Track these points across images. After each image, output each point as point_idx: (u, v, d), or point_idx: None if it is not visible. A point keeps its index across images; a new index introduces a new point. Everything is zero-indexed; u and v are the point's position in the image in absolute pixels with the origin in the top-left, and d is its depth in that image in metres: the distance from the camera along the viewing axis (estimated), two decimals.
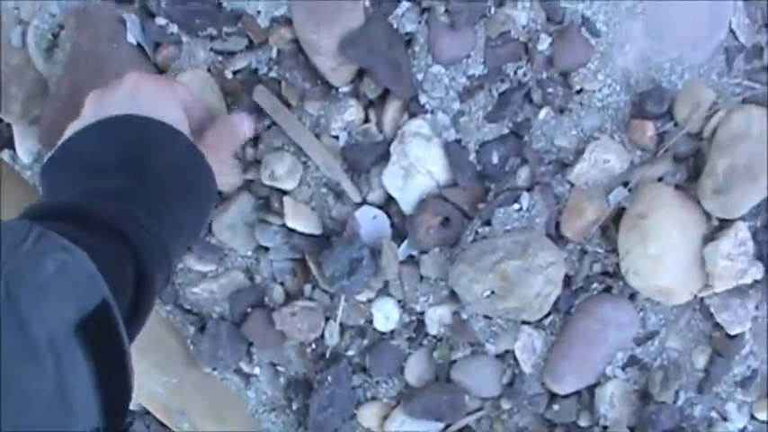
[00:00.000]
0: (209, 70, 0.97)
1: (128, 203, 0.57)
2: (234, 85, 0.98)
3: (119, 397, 0.42)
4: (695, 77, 0.93)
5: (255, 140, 0.98)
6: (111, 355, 0.42)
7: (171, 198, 0.61)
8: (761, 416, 0.96)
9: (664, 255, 0.89)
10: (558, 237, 0.93)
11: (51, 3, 0.97)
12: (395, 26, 0.92)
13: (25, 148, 1.02)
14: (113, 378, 0.41)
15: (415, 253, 0.95)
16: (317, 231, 0.96)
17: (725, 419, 0.96)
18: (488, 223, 0.93)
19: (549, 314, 0.94)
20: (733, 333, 0.94)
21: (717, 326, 0.94)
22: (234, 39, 0.96)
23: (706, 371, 0.96)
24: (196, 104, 0.79)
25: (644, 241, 0.89)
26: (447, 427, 0.99)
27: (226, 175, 0.78)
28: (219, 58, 0.97)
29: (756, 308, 0.94)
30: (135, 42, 0.97)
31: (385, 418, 0.98)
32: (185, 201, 0.63)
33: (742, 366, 0.96)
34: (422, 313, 0.97)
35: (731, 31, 0.92)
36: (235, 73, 0.97)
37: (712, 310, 0.94)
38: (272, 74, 0.96)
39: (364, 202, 0.96)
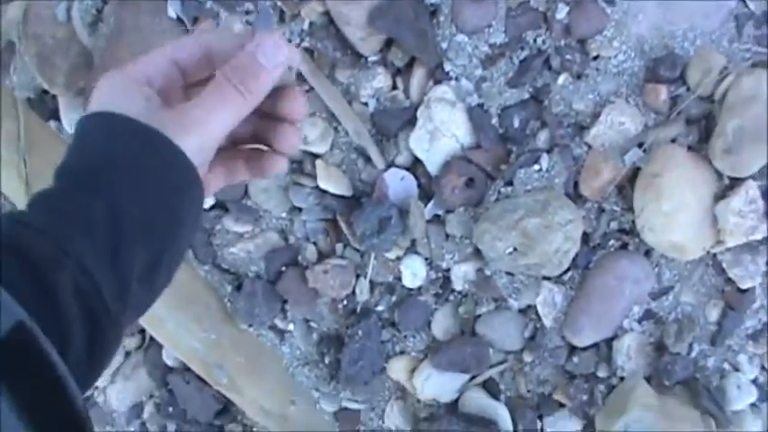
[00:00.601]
0: None
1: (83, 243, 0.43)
2: None
3: (59, 425, 0.38)
4: (706, 44, 0.97)
5: None
6: (40, 382, 0.37)
7: (138, 233, 0.44)
8: None
9: (677, 212, 0.94)
10: (576, 196, 0.98)
11: None
12: None
13: (70, 118, 1.08)
14: (48, 406, 0.38)
15: (440, 212, 1.00)
16: (348, 193, 1.01)
17: (737, 370, 1.00)
18: (510, 183, 0.98)
19: (568, 270, 0.99)
20: (744, 287, 0.98)
21: (729, 281, 0.98)
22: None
23: (718, 324, 1.00)
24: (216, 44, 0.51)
25: (658, 199, 0.93)
26: (472, 378, 1.03)
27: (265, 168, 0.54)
28: None
29: (767, 263, 0.98)
30: (175, 16, 1.03)
31: (413, 371, 1.03)
32: (161, 235, 0.45)
33: (753, 320, 1.00)
34: (448, 270, 1.01)
35: None
36: None
37: (724, 265, 0.98)
38: (305, 44, 1.01)
39: (392, 164, 1.01)
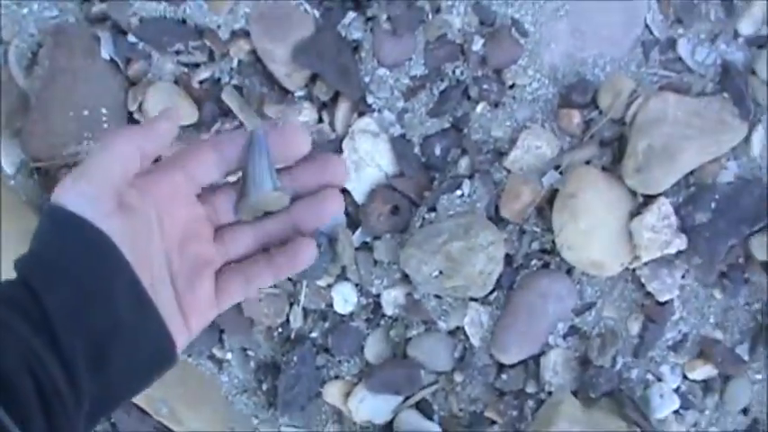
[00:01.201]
0: (176, 81, 1.06)
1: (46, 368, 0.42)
2: (200, 94, 1.06)
3: None
4: (616, 69, 1.01)
5: None
6: None
7: (71, 323, 0.43)
8: (693, 376, 1.03)
9: (593, 229, 0.97)
10: (498, 219, 1.01)
11: (30, 23, 1.06)
12: (342, 34, 1.01)
13: (8, 159, 1.10)
14: None
15: (368, 239, 1.03)
16: None
17: (660, 380, 1.04)
18: (434, 209, 1.01)
19: (493, 290, 1.02)
20: (663, 300, 1.02)
21: (648, 294, 1.02)
22: (198, 52, 1.05)
23: (640, 336, 1.03)
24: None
25: (575, 218, 0.97)
26: (405, 399, 1.06)
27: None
28: (186, 69, 1.05)
29: (683, 276, 1.02)
30: (108, 58, 1.05)
31: (348, 394, 1.05)
32: (92, 321, 0.43)
33: (673, 331, 1.04)
34: (378, 295, 1.04)
35: (646, 26, 1.01)
36: (200, 82, 1.06)
37: (643, 279, 1.02)
38: (234, 82, 1.05)
39: None
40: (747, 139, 1.00)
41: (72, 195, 0.44)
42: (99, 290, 0.44)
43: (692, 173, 1.00)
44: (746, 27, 0.99)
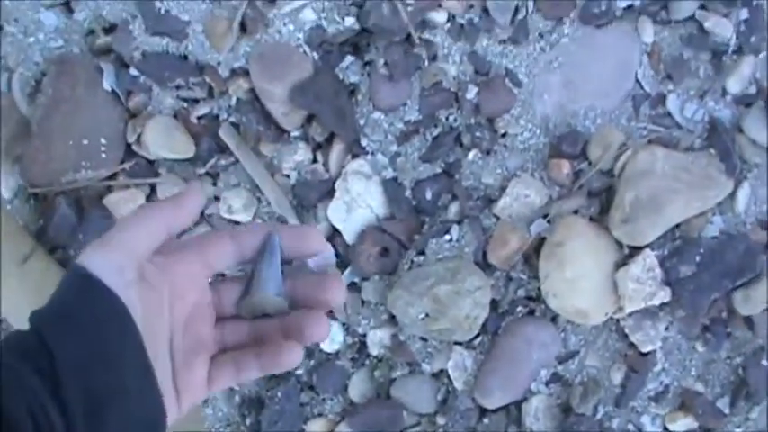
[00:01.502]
0: (175, 116, 1.07)
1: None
2: (198, 129, 1.08)
3: None
4: (606, 122, 1.03)
5: (215, 178, 1.08)
6: None
7: (73, 373, 0.45)
8: (673, 427, 1.04)
9: (579, 278, 0.99)
10: (485, 264, 1.03)
11: (35, 52, 1.08)
12: (340, 77, 1.03)
13: (8, 185, 1.11)
14: None
15: (357, 279, 1.04)
16: None
17: (640, 431, 1.04)
18: (423, 252, 1.02)
19: (478, 335, 1.03)
20: (645, 351, 1.03)
21: (631, 345, 1.03)
22: (198, 88, 1.07)
23: (622, 386, 1.04)
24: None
25: (561, 266, 0.98)
26: None
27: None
28: (185, 104, 1.07)
29: (667, 328, 1.03)
30: (110, 89, 1.07)
31: None
32: (94, 374, 0.45)
33: (655, 382, 1.04)
34: (364, 335, 1.05)
35: (637, 81, 1.03)
36: (199, 118, 1.07)
37: (626, 330, 1.03)
38: (232, 119, 1.06)
39: None
40: (733, 195, 1.01)
41: (97, 261, 0.46)
42: (108, 352, 0.46)
43: (677, 226, 1.01)
44: (734, 85, 1.02)
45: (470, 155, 1.02)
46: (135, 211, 0.50)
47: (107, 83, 1.07)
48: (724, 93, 1.02)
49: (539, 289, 1.01)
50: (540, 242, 1.01)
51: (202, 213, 1.08)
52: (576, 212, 1.02)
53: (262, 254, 0.51)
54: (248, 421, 1.08)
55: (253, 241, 0.52)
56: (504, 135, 1.03)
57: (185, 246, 0.52)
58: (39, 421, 0.43)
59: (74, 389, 0.45)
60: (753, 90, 1.02)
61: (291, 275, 0.52)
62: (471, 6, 1.02)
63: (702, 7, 1.01)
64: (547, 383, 1.04)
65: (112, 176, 1.08)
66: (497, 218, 1.02)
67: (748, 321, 1.02)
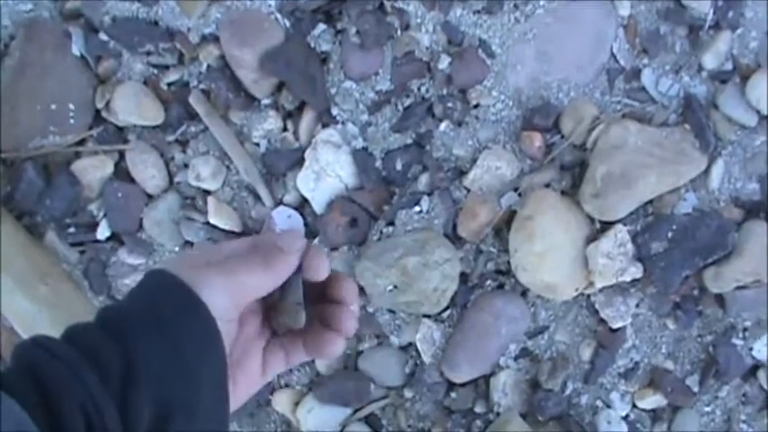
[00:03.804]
0: (145, 82, 1.04)
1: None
2: (167, 96, 1.04)
3: None
4: (580, 95, 1.00)
5: (185, 145, 1.04)
6: None
7: (149, 383, 0.44)
8: (642, 404, 1.01)
9: (548, 252, 0.95)
10: (455, 237, 0.99)
11: (4, 15, 1.04)
12: (312, 45, 1.00)
13: None
14: None
15: (325, 250, 1.01)
16: (238, 229, 1.01)
17: (609, 407, 1.02)
18: (392, 224, 0.99)
19: (447, 308, 1.00)
20: (615, 327, 1.00)
21: (601, 321, 1.00)
22: (168, 54, 1.03)
23: (591, 363, 1.01)
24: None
25: (530, 240, 0.95)
26: (355, 412, 1.04)
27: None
28: (155, 70, 1.04)
29: (637, 305, 1.00)
30: (79, 54, 1.04)
31: (297, 403, 1.03)
32: (171, 387, 0.45)
33: (625, 359, 1.01)
34: None
35: (612, 55, 1.00)
36: (169, 85, 1.04)
37: (597, 306, 1.00)
38: (202, 86, 1.03)
39: (281, 203, 1.02)
40: (707, 172, 0.98)
41: (213, 294, 0.46)
42: (192, 367, 0.45)
43: (650, 202, 0.98)
44: (710, 61, 0.98)
45: (442, 126, 0.99)
46: (263, 253, 0.49)
47: (76, 48, 1.04)
48: (700, 68, 0.99)
49: (508, 263, 0.98)
50: (510, 215, 0.98)
51: (171, 180, 1.05)
52: (547, 186, 0.99)
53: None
54: None
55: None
56: (476, 106, 0.99)
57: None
58: (92, 422, 0.42)
59: (145, 399, 0.43)
60: (729, 66, 0.99)
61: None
62: None
63: None
64: (515, 358, 1.01)
65: (81, 142, 1.05)
66: (468, 190, 0.99)
67: (719, 299, 0.99)
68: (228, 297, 0.47)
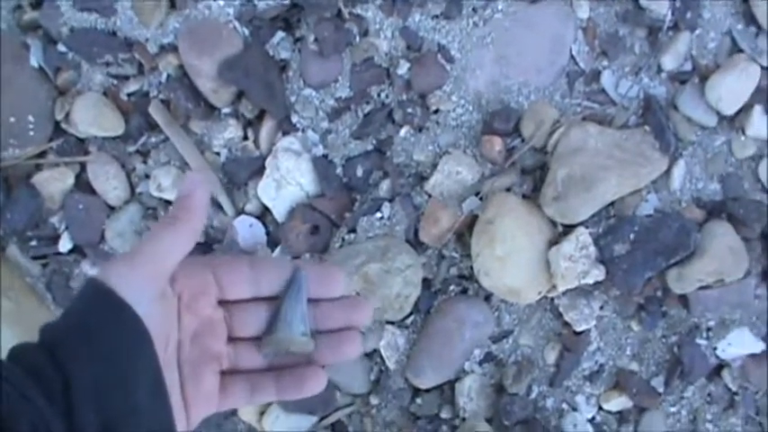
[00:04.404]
0: (105, 93, 1.03)
1: None
2: (128, 106, 1.03)
3: None
4: (540, 98, 0.99)
5: (146, 156, 1.04)
6: None
7: (89, 399, 0.43)
8: (608, 406, 1.00)
9: (510, 256, 0.95)
10: (417, 243, 0.99)
11: None
12: (270, 53, 0.99)
13: None
14: None
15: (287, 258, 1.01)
16: (200, 239, 1.01)
17: (575, 410, 1.01)
18: (353, 231, 0.98)
19: (410, 314, 0.99)
20: (580, 330, 0.99)
21: (565, 324, 0.99)
22: (127, 64, 1.02)
23: (557, 365, 1.01)
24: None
25: (492, 244, 0.95)
26: (321, 420, 1.03)
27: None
28: (115, 81, 1.03)
29: (601, 307, 1.00)
30: (37, 66, 1.03)
31: (263, 413, 1.02)
32: (111, 400, 0.43)
33: (590, 361, 1.01)
34: None
35: (572, 57, 1.00)
36: (129, 95, 1.03)
37: (561, 309, 0.99)
38: (162, 96, 1.02)
39: (243, 212, 1.01)
40: (668, 173, 0.98)
41: (122, 276, 0.45)
42: (125, 372, 0.45)
43: (612, 204, 0.98)
44: (670, 62, 0.98)
45: (402, 131, 0.99)
46: (161, 225, 0.48)
47: (34, 59, 1.03)
48: (659, 69, 0.99)
49: (471, 268, 0.97)
50: (472, 220, 0.97)
51: (133, 191, 1.04)
52: (508, 190, 0.98)
53: (289, 291, 0.49)
54: None
55: (273, 276, 0.50)
56: (436, 111, 0.99)
57: (200, 261, 0.50)
58: None
59: (87, 413, 0.43)
60: (688, 67, 0.99)
61: (314, 303, 0.50)
62: None
63: None
64: (480, 363, 1.00)
65: (41, 154, 1.03)
66: (429, 195, 0.98)
67: (683, 300, 0.99)
68: (137, 273, 0.46)
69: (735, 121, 0.98)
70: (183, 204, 0.49)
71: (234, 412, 1.04)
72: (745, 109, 0.97)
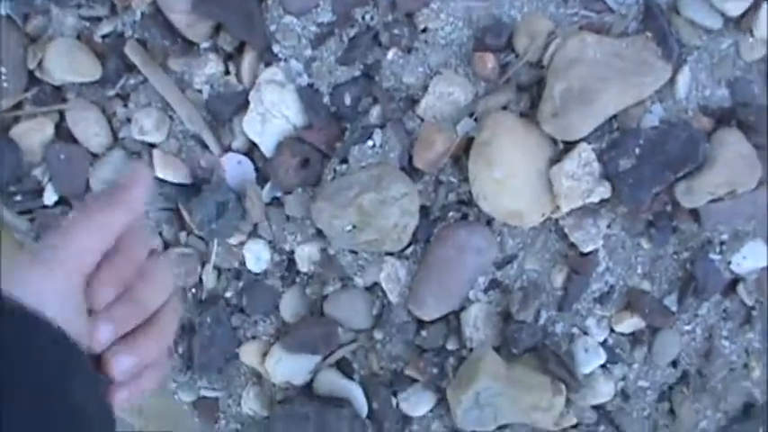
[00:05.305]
0: (78, 37, 0.98)
1: None
2: (103, 49, 0.98)
3: None
4: (533, 10, 0.93)
5: (125, 99, 0.99)
6: None
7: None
8: (620, 328, 0.96)
9: (509, 178, 0.90)
10: (412, 169, 0.94)
11: None
12: None
13: None
14: None
15: (279, 194, 0.96)
16: (187, 180, 0.96)
17: (585, 334, 0.97)
18: (345, 161, 0.94)
19: (409, 244, 0.95)
20: (587, 251, 0.94)
21: (572, 245, 0.95)
22: (99, 5, 0.97)
23: (564, 289, 0.97)
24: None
25: (489, 166, 0.90)
26: (324, 359, 1.00)
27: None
28: (87, 24, 0.98)
29: (609, 226, 0.95)
30: (5, 14, 0.98)
31: (265, 355, 0.99)
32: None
33: (599, 282, 0.97)
34: (291, 252, 0.97)
35: None
36: (103, 37, 0.98)
37: (566, 230, 0.94)
38: (137, 36, 0.97)
39: (229, 149, 0.97)
40: (672, 81, 0.92)
41: (37, 287, 0.39)
42: (58, 389, 0.39)
43: (614, 117, 0.92)
44: None
45: (390, 54, 0.93)
46: (80, 217, 0.41)
47: (2, 7, 0.98)
48: None
49: (470, 192, 0.93)
50: (468, 142, 0.92)
51: (115, 136, 1.00)
52: (504, 108, 0.93)
53: None
54: (181, 349, 1.01)
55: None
56: (424, 30, 0.93)
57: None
58: None
59: None
60: None
61: None
62: None
63: None
64: (485, 291, 0.96)
65: (17, 106, 0.99)
66: (421, 119, 0.93)
67: (694, 214, 0.94)
68: (54, 282, 0.40)
69: (741, 23, 0.92)
70: (115, 194, 0.43)
71: (235, 356, 1.01)
72: (753, 8, 0.91)
